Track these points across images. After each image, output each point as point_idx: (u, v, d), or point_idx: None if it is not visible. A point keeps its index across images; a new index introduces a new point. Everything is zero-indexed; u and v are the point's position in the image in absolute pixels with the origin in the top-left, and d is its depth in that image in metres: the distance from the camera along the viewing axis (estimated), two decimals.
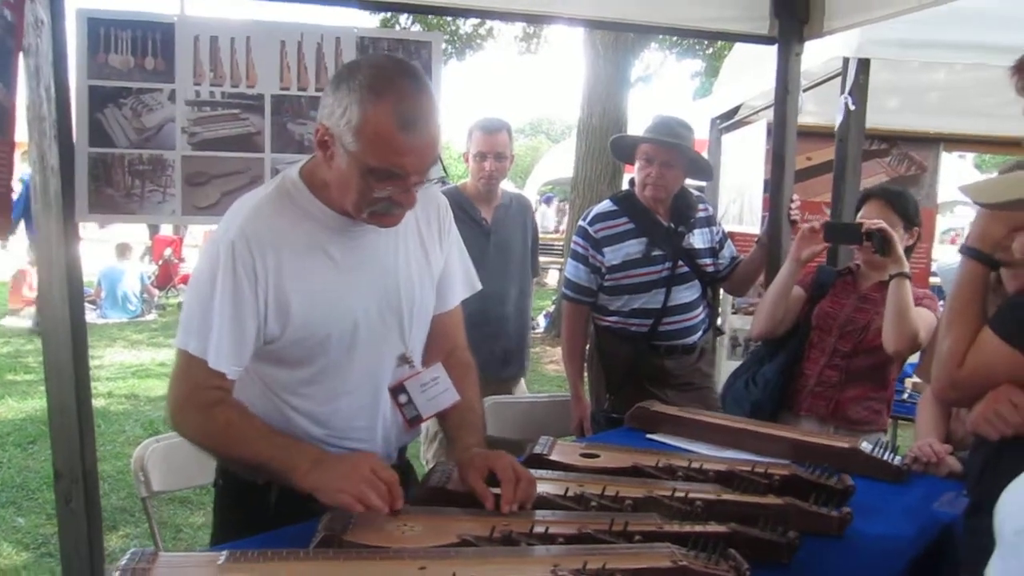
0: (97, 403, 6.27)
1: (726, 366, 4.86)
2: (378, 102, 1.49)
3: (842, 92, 3.56)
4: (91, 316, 8.80)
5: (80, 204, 2.66)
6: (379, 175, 1.52)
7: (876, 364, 2.77)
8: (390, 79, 1.51)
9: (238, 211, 1.64)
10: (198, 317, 1.59)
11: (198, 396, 1.60)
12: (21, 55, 2.44)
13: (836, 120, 3.55)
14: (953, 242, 16.76)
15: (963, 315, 1.65)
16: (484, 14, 4.54)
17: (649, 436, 2.43)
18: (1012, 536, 0.96)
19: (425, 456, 3.50)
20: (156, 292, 11.15)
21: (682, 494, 1.70)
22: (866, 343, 2.76)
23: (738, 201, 4.58)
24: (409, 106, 1.50)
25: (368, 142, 1.50)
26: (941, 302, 3.11)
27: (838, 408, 2.78)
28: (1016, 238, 1.57)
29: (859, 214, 2.87)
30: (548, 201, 20.07)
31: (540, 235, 4.06)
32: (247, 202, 1.66)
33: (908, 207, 2.80)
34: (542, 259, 9.03)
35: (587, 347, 3.33)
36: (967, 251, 1.66)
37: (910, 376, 3.99)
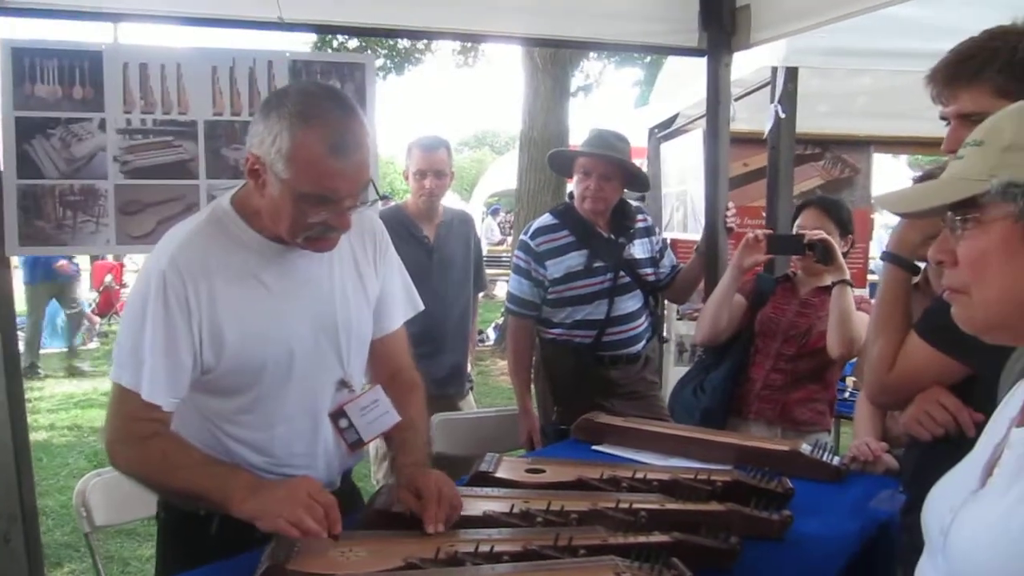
0: (39, 436, 6.13)
1: (673, 372, 4.91)
2: (307, 128, 1.49)
3: (772, 100, 3.64)
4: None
5: (10, 237, 2.61)
6: (312, 200, 1.53)
7: (819, 366, 2.87)
8: (318, 104, 1.52)
9: (169, 241, 1.63)
10: (130, 349, 1.57)
11: (133, 428, 1.58)
12: None
13: (766, 128, 3.63)
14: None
15: (889, 320, 1.69)
16: (417, 34, 4.57)
17: (595, 448, 2.45)
18: (938, 535, 1.00)
19: (376, 477, 3.49)
20: (97, 320, 10.90)
21: (626, 505, 1.72)
22: (809, 346, 2.85)
23: (681, 209, 4.64)
24: (338, 130, 1.51)
25: (299, 168, 1.50)
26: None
27: (785, 411, 2.86)
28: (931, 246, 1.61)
29: (796, 222, 2.97)
30: (495, 213, 20.10)
31: (488, 246, 4.09)
32: (178, 231, 1.65)
33: (843, 215, 2.92)
34: (490, 271, 9.05)
35: (533, 360, 3.35)
36: (888, 256, 1.72)
37: (850, 376, 4.07)
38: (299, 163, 1.50)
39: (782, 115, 3.59)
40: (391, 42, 12.10)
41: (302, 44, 9.51)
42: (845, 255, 2.85)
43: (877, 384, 1.71)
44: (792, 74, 3.69)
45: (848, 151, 5.40)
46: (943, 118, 1.58)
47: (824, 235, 2.77)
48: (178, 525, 1.75)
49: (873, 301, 2.97)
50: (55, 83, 2.63)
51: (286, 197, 1.53)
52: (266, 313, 1.64)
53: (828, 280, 2.82)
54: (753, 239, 2.89)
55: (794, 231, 2.96)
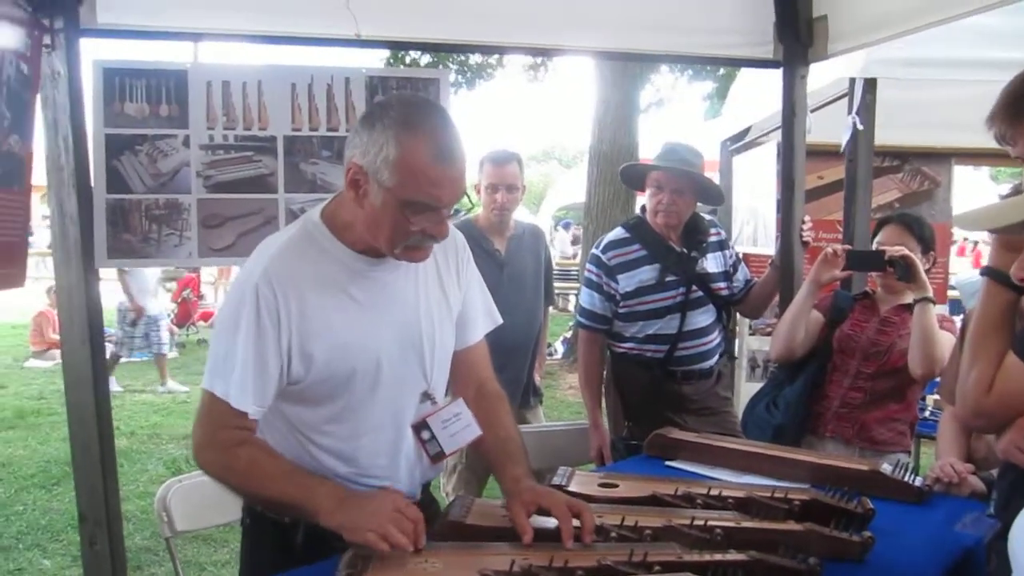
0: (120, 443, 6.31)
1: (746, 388, 4.84)
2: (413, 136, 1.53)
3: (849, 112, 3.57)
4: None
5: (99, 250, 2.71)
6: (415, 208, 1.56)
7: (899, 385, 2.80)
8: (421, 114, 1.57)
9: (262, 254, 1.67)
10: (222, 359, 1.61)
11: (222, 436, 1.62)
12: (39, 106, 2.50)
13: (843, 140, 3.56)
14: (961, 252, 16.67)
15: (988, 339, 1.60)
16: (490, 49, 4.60)
17: (668, 463, 2.42)
18: None
19: (445, 489, 3.51)
20: (176, 330, 11.22)
21: (701, 522, 1.70)
22: (889, 364, 2.78)
23: (752, 222, 4.58)
24: (442, 139, 1.55)
25: (405, 176, 1.53)
26: (958, 317, 3.12)
27: (863, 430, 2.80)
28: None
29: (876, 239, 2.91)
30: (566, 227, 20.07)
31: (559, 260, 4.09)
32: (271, 245, 1.69)
33: (925, 232, 2.86)
34: (559, 284, 9.04)
35: (604, 374, 3.33)
36: (987, 272, 1.63)
37: (932, 394, 3.97)
38: (405, 171, 1.53)
39: (860, 127, 3.52)
40: (462, 57, 12.23)
41: (375, 60, 9.66)
42: (927, 272, 2.78)
43: (973, 407, 1.63)
44: (870, 85, 3.62)
45: (928, 163, 5.26)
46: (1016, 156, 1.55)
47: (906, 251, 2.71)
48: (263, 532, 1.79)
49: (958, 319, 2.90)
50: (143, 101, 2.73)
51: (389, 206, 1.56)
52: (354, 326, 1.67)
53: (909, 298, 2.75)
54: (832, 254, 2.84)
55: (874, 248, 2.90)
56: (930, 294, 2.68)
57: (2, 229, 2.33)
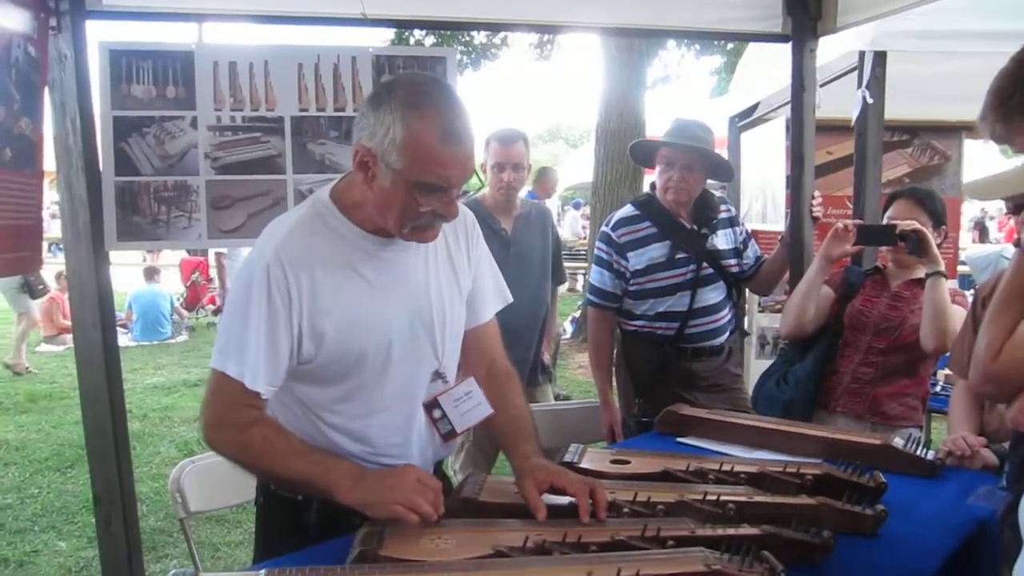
0: (131, 426, 6.32)
1: (755, 365, 4.84)
2: (420, 117, 1.52)
3: (859, 86, 3.54)
4: (123, 340, 8.90)
5: (108, 232, 2.71)
6: (423, 189, 1.55)
7: (911, 360, 2.80)
8: (428, 94, 1.55)
9: (272, 234, 1.67)
10: (235, 339, 1.61)
11: (234, 415, 1.63)
12: (46, 89, 2.50)
13: (853, 114, 3.54)
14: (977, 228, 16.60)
15: (1006, 308, 1.61)
16: (496, 26, 4.57)
17: (679, 440, 2.43)
18: None
19: (453, 467, 3.52)
20: (185, 314, 11.26)
21: (714, 497, 1.71)
22: (901, 340, 2.78)
23: (760, 199, 4.57)
24: (449, 119, 1.54)
25: (412, 157, 1.52)
26: (969, 292, 3.10)
27: (874, 404, 2.80)
28: None
29: (887, 214, 2.90)
30: (577, 206, 19.96)
31: (569, 240, 4.07)
32: (281, 225, 1.69)
33: (936, 206, 2.84)
34: (569, 264, 9.04)
35: (614, 352, 3.34)
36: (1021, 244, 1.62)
37: (943, 369, 3.96)
38: (413, 152, 1.52)
39: (870, 101, 3.49)
40: (467, 37, 12.17)
41: (379, 41, 9.62)
42: (938, 247, 2.76)
43: (982, 373, 1.64)
44: (880, 58, 3.58)
45: (938, 137, 5.23)
46: (1017, 153, 1.55)
47: (918, 226, 2.70)
48: (277, 510, 1.80)
49: (969, 293, 2.89)
50: (149, 83, 2.73)
51: (398, 187, 1.55)
52: (365, 305, 1.67)
53: (921, 272, 2.74)
54: (842, 229, 2.83)
55: (885, 221, 2.89)
56: (942, 268, 2.68)
57: (17, 212, 2.34)
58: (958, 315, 2.64)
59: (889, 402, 2.80)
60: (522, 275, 3.44)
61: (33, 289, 8.43)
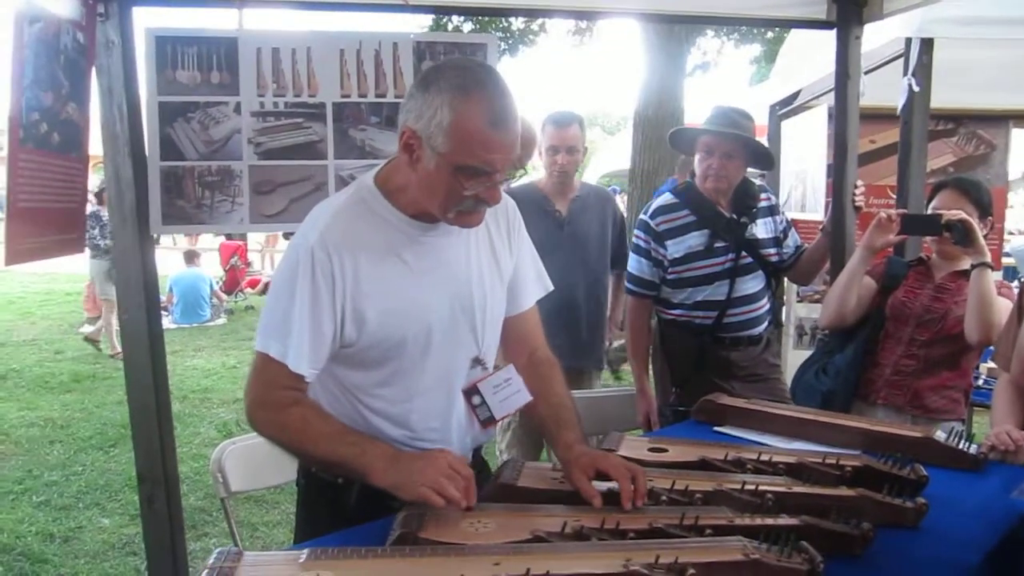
0: (172, 407, 6.47)
1: (793, 356, 4.80)
2: (468, 101, 1.52)
3: (905, 73, 3.48)
4: (163, 322, 9.02)
5: (154, 216, 2.75)
6: (468, 173, 1.56)
7: (954, 352, 2.75)
8: (476, 78, 1.56)
9: (317, 218, 1.68)
10: (279, 321, 1.63)
11: (276, 396, 1.65)
12: (94, 74, 2.55)
13: (899, 102, 3.48)
14: None
15: None
16: (535, 12, 4.55)
17: (717, 429, 2.42)
18: None
19: (500, 446, 3.54)
20: (224, 297, 11.41)
21: (752, 487, 1.70)
22: (944, 332, 2.74)
23: (800, 188, 4.52)
24: (497, 103, 1.54)
25: (459, 140, 1.53)
26: (1015, 283, 3.05)
27: (916, 397, 2.76)
28: None
29: (931, 204, 2.85)
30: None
31: None
32: (326, 209, 1.70)
33: (983, 197, 2.79)
34: None
35: (652, 341, 3.33)
36: None
37: (986, 362, 3.90)
38: (459, 135, 1.53)
39: (916, 89, 3.43)
40: (505, 23, 12.14)
41: (416, 27, 9.64)
42: (984, 239, 2.71)
43: None
44: (927, 45, 3.52)
45: (984, 126, 5.14)
46: None
47: (963, 215, 2.64)
48: (318, 492, 1.82)
49: (1014, 285, 2.84)
50: (194, 69, 2.75)
51: (443, 170, 1.56)
52: (407, 290, 1.68)
53: (966, 264, 2.70)
54: (886, 219, 2.78)
55: (929, 212, 2.83)
56: (988, 259, 2.63)
57: (63, 195, 2.39)
58: (1003, 307, 2.60)
59: (931, 395, 2.76)
60: (576, 256, 3.45)
61: None
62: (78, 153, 2.46)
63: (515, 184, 3.37)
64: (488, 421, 1.85)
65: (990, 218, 2.81)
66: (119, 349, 8.09)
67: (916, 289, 2.84)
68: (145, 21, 2.80)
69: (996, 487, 1.99)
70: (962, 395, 2.82)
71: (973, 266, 2.63)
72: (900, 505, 1.71)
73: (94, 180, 7.92)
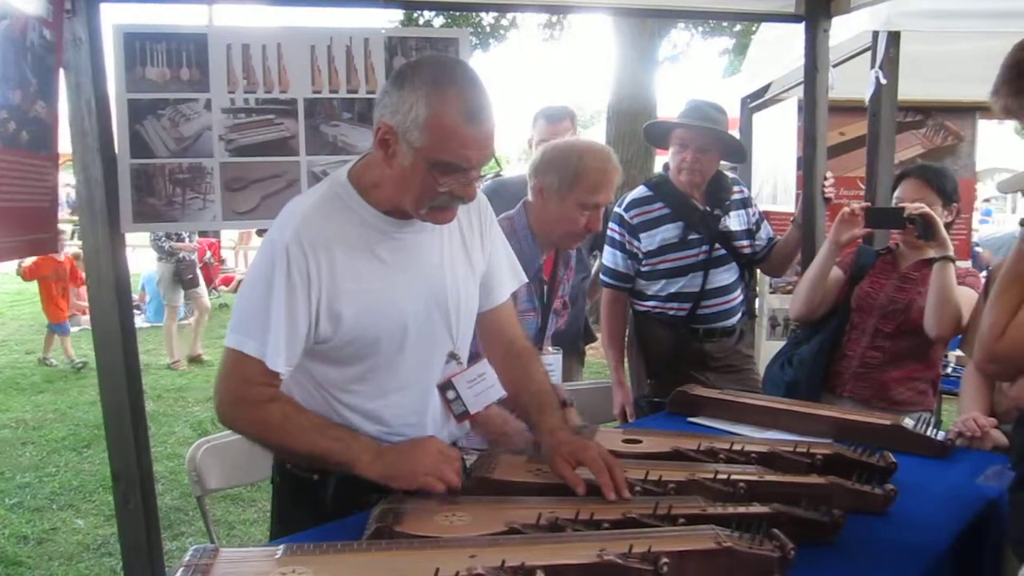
0: (147, 406, 6.42)
1: (766, 347, 4.85)
2: (444, 97, 1.53)
3: (872, 66, 3.52)
4: (136, 321, 8.93)
5: (124, 214, 2.73)
6: (443, 169, 1.57)
7: (920, 344, 2.75)
8: (452, 74, 1.57)
9: (291, 215, 1.68)
10: (255, 318, 1.63)
11: (251, 392, 1.64)
12: (62, 72, 2.52)
13: (867, 95, 3.52)
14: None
15: (1010, 287, 1.62)
16: (507, 7, 4.56)
17: (691, 420, 2.44)
18: None
19: None
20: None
21: (724, 476, 1.72)
22: (909, 323, 2.73)
23: (771, 180, 4.56)
24: (473, 99, 1.55)
25: (435, 136, 1.54)
26: (983, 273, 3.09)
27: (882, 390, 2.77)
28: None
29: (896, 193, 2.86)
30: None
31: None
32: (300, 205, 1.70)
33: (946, 184, 2.79)
34: None
35: (627, 333, 3.35)
36: None
37: (954, 351, 3.95)
38: (435, 131, 1.53)
39: (883, 81, 3.46)
40: (476, 18, 12.11)
41: (386, 22, 9.57)
42: (949, 226, 2.73)
43: (986, 352, 1.65)
44: (894, 38, 3.56)
45: (951, 118, 5.21)
46: None
47: (926, 209, 2.64)
48: (293, 488, 1.83)
49: (982, 275, 2.88)
50: (164, 65, 2.73)
51: (418, 166, 1.57)
52: (382, 286, 1.69)
53: (932, 253, 2.71)
54: (849, 213, 2.78)
55: (894, 202, 2.85)
56: (950, 253, 2.63)
57: (32, 194, 2.36)
58: (966, 296, 2.62)
59: (897, 387, 2.76)
60: None
61: (183, 280, 8.29)
62: (48, 151, 2.43)
63: (508, 176, 3.39)
64: (463, 415, 1.87)
65: (955, 204, 2.82)
66: (177, 358, 7.99)
67: (881, 279, 2.85)
68: (113, 18, 2.77)
69: (964, 473, 2.03)
70: (930, 386, 2.83)
71: (935, 259, 2.63)
72: (869, 492, 1.74)
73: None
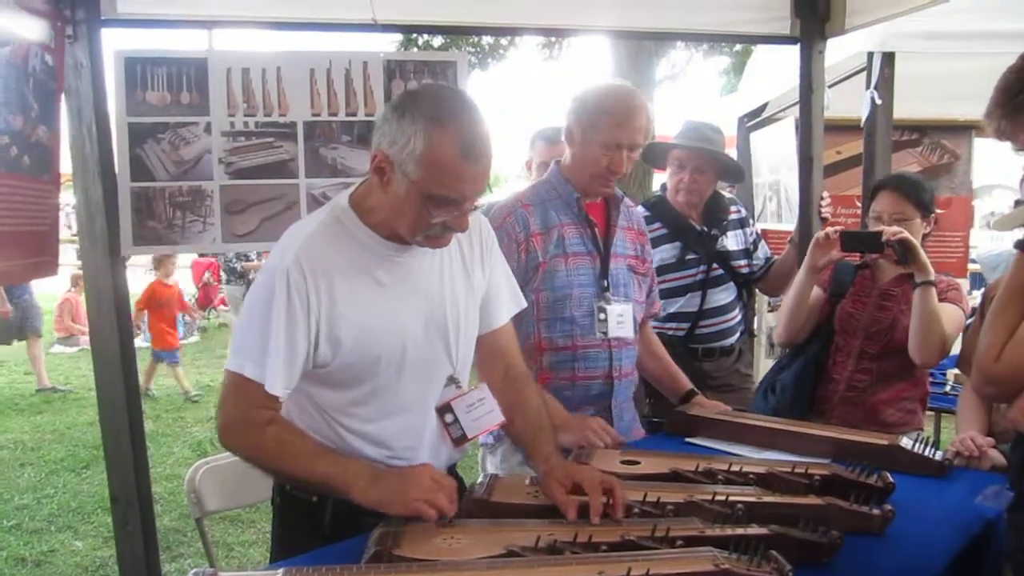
0: (146, 426, 6.41)
1: (764, 365, 4.84)
2: (442, 131, 1.54)
3: (867, 87, 3.55)
4: (136, 341, 8.96)
5: (124, 237, 2.75)
6: (438, 202, 1.58)
7: (907, 363, 2.67)
8: (451, 107, 1.57)
9: (292, 239, 1.69)
10: (254, 342, 1.64)
11: (250, 415, 1.65)
12: (63, 96, 2.54)
13: (862, 115, 3.55)
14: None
15: (1006, 309, 1.62)
16: (505, 31, 4.59)
17: (688, 440, 2.44)
18: None
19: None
20: (197, 315, 11.31)
21: (722, 497, 1.72)
22: (894, 343, 2.67)
23: (775, 199, 4.57)
24: (470, 134, 1.56)
25: (430, 170, 1.55)
26: (977, 292, 3.09)
27: (872, 412, 2.70)
28: None
29: (872, 206, 2.78)
30: None
31: None
32: (301, 230, 1.71)
33: (923, 196, 2.71)
34: None
35: None
36: (1021, 245, 1.63)
37: (952, 369, 3.96)
38: (431, 165, 1.54)
39: (879, 102, 3.50)
40: (475, 38, 12.18)
41: (387, 44, 9.63)
42: (927, 236, 2.69)
43: (983, 374, 1.65)
44: (888, 59, 3.59)
45: (947, 136, 5.23)
46: (1019, 151, 1.57)
47: (904, 234, 2.55)
48: (292, 510, 1.83)
49: (978, 293, 2.87)
50: (164, 89, 2.76)
51: (412, 197, 1.58)
52: (381, 310, 1.70)
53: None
54: (825, 237, 2.70)
55: (871, 215, 2.77)
56: (931, 277, 2.55)
57: (34, 218, 2.38)
58: (950, 316, 2.58)
59: (887, 409, 2.71)
60: None
61: None
62: (48, 175, 2.46)
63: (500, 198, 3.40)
64: (461, 439, 1.87)
65: (933, 215, 2.74)
66: None
67: (863, 298, 2.78)
68: (114, 43, 2.79)
69: (961, 493, 2.02)
70: (919, 404, 2.78)
71: (916, 285, 2.56)
72: (867, 512, 1.74)
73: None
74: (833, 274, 2.87)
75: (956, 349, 2.84)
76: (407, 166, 1.56)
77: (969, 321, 2.74)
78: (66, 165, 2.62)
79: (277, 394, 1.64)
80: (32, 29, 2.35)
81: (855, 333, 2.75)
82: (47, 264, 2.49)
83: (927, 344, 2.56)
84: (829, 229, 2.75)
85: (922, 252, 2.57)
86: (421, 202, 1.58)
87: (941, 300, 2.59)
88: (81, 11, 2.59)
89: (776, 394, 2.85)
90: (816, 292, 2.83)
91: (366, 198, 1.71)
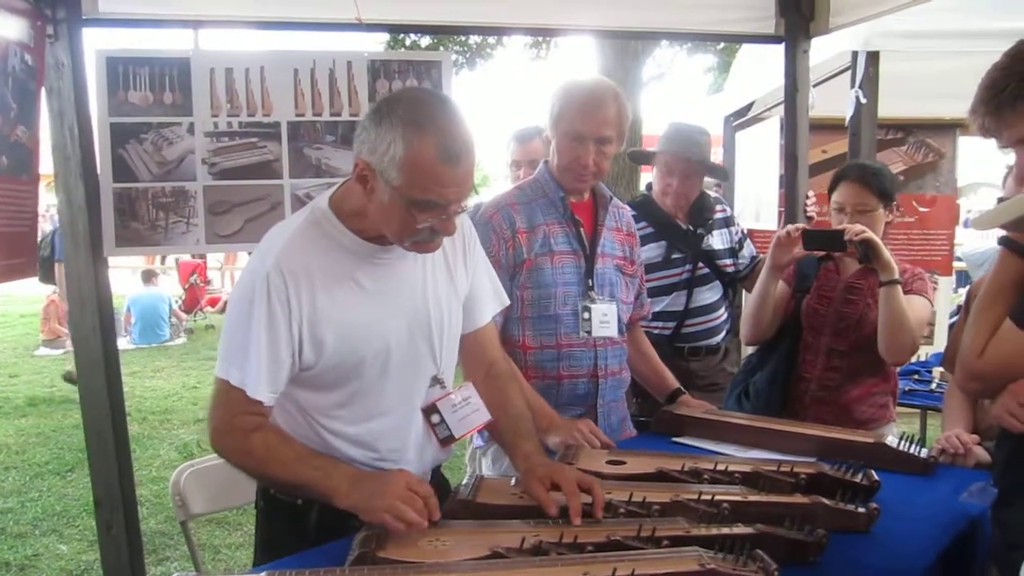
0: (131, 429, 6.34)
1: None
2: (421, 136, 1.52)
3: (852, 86, 3.57)
4: (121, 343, 8.89)
5: (107, 239, 2.73)
6: (422, 206, 1.56)
7: (876, 359, 2.63)
8: (430, 111, 1.55)
9: (272, 242, 1.68)
10: (236, 347, 1.63)
11: (237, 421, 1.65)
12: (44, 97, 2.52)
13: (847, 114, 3.56)
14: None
15: (991, 305, 1.62)
16: (490, 30, 4.59)
17: (675, 439, 2.44)
18: None
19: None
20: (184, 316, 11.26)
21: (708, 497, 1.72)
22: (863, 339, 2.63)
23: (753, 199, 4.59)
24: (450, 138, 1.54)
25: (411, 176, 1.53)
26: (962, 289, 3.10)
27: (844, 411, 2.67)
28: None
29: (833, 197, 2.73)
30: None
31: None
32: (280, 233, 1.70)
33: (885, 184, 2.66)
34: None
35: None
36: (1004, 242, 1.63)
37: (938, 367, 3.98)
38: (412, 171, 1.53)
39: (863, 101, 3.51)
40: (462, 37, 12.17)
41: (374, 43, 9.60)
42: (888, 224, 2.66)
43: (967, 370, 1.66)
44: (873, 58, 3.61)
45: (932, 135, 5.25)
46: (1003, 148, 1.57)
47: (868, 234, 2.51)
48: (278, 514, 1.82)
49: (963, 291, 2.88)
50: (146, 89, 2.74)
51: (396, 203, 1.57)
52: (364, 312, 1.69)
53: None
54: (786, 236, 2.66)
55: (832, 206, 2.72)
56: (896, 276, 2.50)
57: (12, 219, 2.36)
58: (915, 309, 2.55)
59: (859, 406, 2.68)
60: None
61: None
62: (28, 176, 2.43)
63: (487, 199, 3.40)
64: (447, 440, 1.86)
65: (894, 203, 2.71)
66: None
67: (828, 293, 2.74)
68: (96, 42, 2.78)
69: (947, 490, 2.02)
70: (890, 398, 2.76)
71: (881, 284, 2.53)
72: (852, 511, 1.74)
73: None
74: (796, 268, 2.83)
75: (941, 347, 2.85)
76: (388, 173, 1.54)
77: (953, 320, 2.74)
78: (49, 166, 2.60)
79: (262, 399, 1.63)
80: (12, 28, 2.32)
81: (822, 330, 2.72)
82: (26, 266, 2.47)
83: (897, 343, 2.54)
84: (791, 227, 2.71)
85: (885, 250, 2.53)
86: (405, 208, 1.56)
87: (907, 292, 2.56)
88: (62, 10, 2.57)
89: (751, 400, 2.83)
90: (780, 287, 2.78)
91: (347, 200, 1.70)
